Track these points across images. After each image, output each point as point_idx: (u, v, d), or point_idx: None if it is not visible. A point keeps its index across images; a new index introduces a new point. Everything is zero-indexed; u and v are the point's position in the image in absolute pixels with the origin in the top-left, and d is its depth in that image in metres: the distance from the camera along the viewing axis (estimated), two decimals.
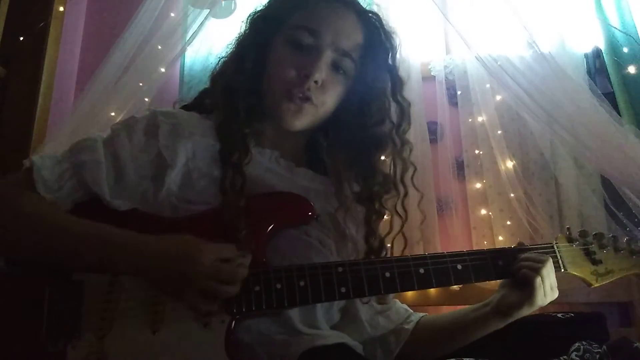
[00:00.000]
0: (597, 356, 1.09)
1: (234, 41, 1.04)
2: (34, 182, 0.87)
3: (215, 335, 0.80)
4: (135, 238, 0.82)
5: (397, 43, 1.03)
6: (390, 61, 1.03)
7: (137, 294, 0.83)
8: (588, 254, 1.00)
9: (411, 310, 1.09)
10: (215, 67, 1.07)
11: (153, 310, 0.82)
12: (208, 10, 1.97)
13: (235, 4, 2.14)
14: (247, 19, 1.04)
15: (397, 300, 1.10)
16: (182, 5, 2.07)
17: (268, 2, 1.03)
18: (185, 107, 1.06)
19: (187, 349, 0.80)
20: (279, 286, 0.83)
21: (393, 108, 1.02)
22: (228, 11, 2.13)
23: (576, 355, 1.11)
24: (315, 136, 1.09)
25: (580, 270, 0.99)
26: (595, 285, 0.98)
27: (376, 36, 1.00)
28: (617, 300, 1.74)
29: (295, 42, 0.95)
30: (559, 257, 0.98)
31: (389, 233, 1.02)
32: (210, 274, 0.78)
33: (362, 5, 1.02)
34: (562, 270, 0.97)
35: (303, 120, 0.97)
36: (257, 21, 1.00)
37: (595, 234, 1.02)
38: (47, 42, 2.14)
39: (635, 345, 1.09)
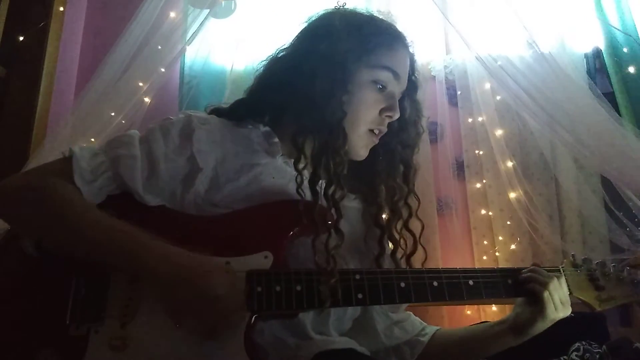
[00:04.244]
0: (597, 356, 1.10)
1: (314, 60, 0.99)
2: (72, 171, 0.89)
3: (236, 330, 0.82)
4: (154, 249, 0.83)
5: (420, 82, 1.12)
6: (416, 96, 1.11)
7: None
8: (592, 280, 1.03)
9: (425, 323, 1.11)
10: (270, 75, 1.06)
11: None
12: (208, 10, 1.97)
13: (235, 4, 2.14)
14: (335, 39, 1.00)
15: (412, 313, 1.12)
16: (182, 5, 2.07)
17: (356, 32, 1.01)
18: (217, 112, 1.06)
19: (207, 342, 0.82)
20: (299, 288, 0.85)
21: (413, 134, 1.10)
22: (228, 11, 2.13)
23: (576, 355, 1.12)
24: None
25: (585, 294, 1.02)
26: (598, 310, 1.01)
27: (411, 74, 1.09)
28: None
29: (380, 82, 1.00)
30: (566, 280, 1.00)
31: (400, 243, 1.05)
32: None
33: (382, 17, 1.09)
34: (569, 293, 1.00)
35: (368, 150, 1.05)
36: (348, 53, 0.98)
37: (597, 262, 1.06)
38: (47, 42, 2.13)
39: (635, 345, 1.09)
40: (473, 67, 2.03)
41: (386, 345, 1.04)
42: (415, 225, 1.04)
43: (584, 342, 1.16)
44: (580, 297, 1.02)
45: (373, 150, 1.06)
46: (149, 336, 0.82)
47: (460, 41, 1.83)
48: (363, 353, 0.95)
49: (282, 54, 1.06)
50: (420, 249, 1.03)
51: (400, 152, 1.07)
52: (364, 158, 1.04)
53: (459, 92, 2.09)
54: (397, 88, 1.03)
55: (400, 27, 1.09)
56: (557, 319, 0.96)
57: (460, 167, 2.02)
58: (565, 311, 0.96)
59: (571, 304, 0.97)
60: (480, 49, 1.74)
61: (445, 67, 2.12)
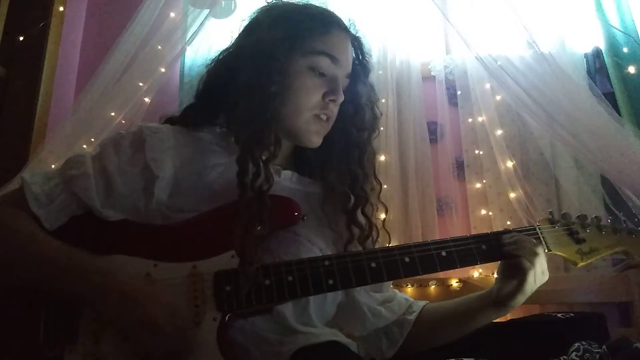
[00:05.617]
0: (597, 356, 1.09)
1: (243, 55, 1.01)
2: (25, 198, 0.88)
3: (208, 333, 0.82)
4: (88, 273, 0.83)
5: (371, 65, 1.12)
6: (368, 78, 1.10)
7: None
8: (571, 234, 1.01)
9: (412, 300, 1.12)
10: (210, 77, 1.07)
11: None
12: (208, 10, 1.97)
13: (235, 4, 2.14)
14: (262, 32, 1.01)
15: (397, 291, 1.13)
16: (182, 5, 2.07)
17: (285, 22, 1.01)
18: (170, 121, 1.07)
19: (182, 350, 0.81)
20: (267, 282, 0.85)
21: (367, 117, 1.09)
22: (228, 11, 2.13)
23: (576, 355, 1.12)
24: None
25: (564, 250, 0.99)
26: (581, 264, 0.99)
27: (358, 57, 1.09)
28: (617, 300, 1.74)
29: (317, 68, 0.99)
30: (542, 239, 0.99)
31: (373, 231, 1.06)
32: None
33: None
34: (546, 250, 0.98)
35: (322, 137, 1.03)
36: (277, 44, 0.98)
37: (578, 216, 1.03)
38: (47, 42, 2.14)
39: (635, 345, 1.09)
40: (473, 67, 2.03)
41: (376, 326, 1.05)
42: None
43: (584, 342, 1.16)
44: (560, 253, 0.99)
45: (331, 136, 1.06)
46: (122, 350, 0.81)
47: (460, 41, 1.83)
48: (345, 345, 0.95)
49: (222, 56, 1.07)
50: (383, 233, 1.04)
51: (355, 136, 1.07)
52: (318, 145, 1.03)
53: (459, 92, 2.08)
54: (338, 71, 1.01)
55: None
56: (534, 290, 0.95)
57: (460, 167, 2.02)
58: (543, 279, 0.95)
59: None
60: (480, 49, 1.74)
61: (445, 67, 2.12)
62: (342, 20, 1.05)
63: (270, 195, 0.91)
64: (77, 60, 2.35)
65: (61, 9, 2.24)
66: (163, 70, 1.96)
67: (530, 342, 1.22)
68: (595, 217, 1.03)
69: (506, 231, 0.99)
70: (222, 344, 0.81)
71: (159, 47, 1.96)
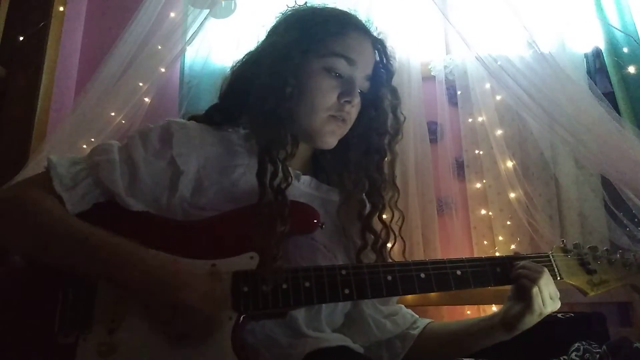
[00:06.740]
0: (597, 356, 1.10)
1: (261, 58, 1.03)
2: (51, 179, 0.89)
3: (223, 331, 0.83)
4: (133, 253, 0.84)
5: (395, 67, 1.11)
6: (391, 82, 1.10)
7: None
8: (583, 264, 1.03)
9: (417, 316, 1.12)
10: (234, 79, 1.08)
11: None
12: (208, 10, 1.97)
13: (235, 4, 2.14)
14: (278, 35, 1.04)
15: (403, 306, 1.13)
16: (182, 5, 2.07)
17: (301, 25, 1.03)
18: (195, 118, 1.08)
19: (195, 344, 0.82)
20: (285, 286, 0.86)
21: (390, 122, 1.09)
22: (228, 11, 2.13)
23: (576, 355, 1.12)
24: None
25: (575, 279, 1.02)
26: (591, 294, 1.01)
27: (382, 60, 1.08)
28: (617, 300, 1.74)
29: (333, 70, 1.00)
30: (554, 266, 1.01)
31: (387, 235, 1.05)
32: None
33: (373, 30, 1.08)
34: (558, 278, 1.00)
35: (338, 138, 1.04)
36: (292, 46, 1.00)
37: (589, 247, 1.06)
38: (47, 42, 2.14)
39: (635, 345, 1.09)
40: (473, 67, 2.02)
41: (378, 338, 1.05)
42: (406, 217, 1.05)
43: (584, 342, 1.17)
44: (571, 282, 1.01)
45: (351, 141, 1.06)
46: (136, 341, 0.82)
47: (460, 41, 1.82)
48: (355, 350, 0.96)
49: (245, 58, 1.09)
50: (399, 240, 1.04)
51: (376, 140, 1.06)
52: (333, 146, 1.03)
53: (459, 92, 2.08)
54: (356, 73, 1.01)
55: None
56: (546, 314, 0.96)
57: (460, 167, 2.02)
58: (554, 306, 0.96)
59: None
60: (480, 49, 1.74)
61: (445, 67, 2.12)
62: (361, 22, 1.06)
63: (291, 200, 0.92)
64: (77, 60, 2.35)
65: (61, 9, 2.24)
66: (163, 70, 1.96)
67: (530, 342, 1.22)
68: (606, 249, 1.05)
69: (520, 257, 1.00)
70: (235, 343, 0.82)
71: (159, 47, 1.96)
